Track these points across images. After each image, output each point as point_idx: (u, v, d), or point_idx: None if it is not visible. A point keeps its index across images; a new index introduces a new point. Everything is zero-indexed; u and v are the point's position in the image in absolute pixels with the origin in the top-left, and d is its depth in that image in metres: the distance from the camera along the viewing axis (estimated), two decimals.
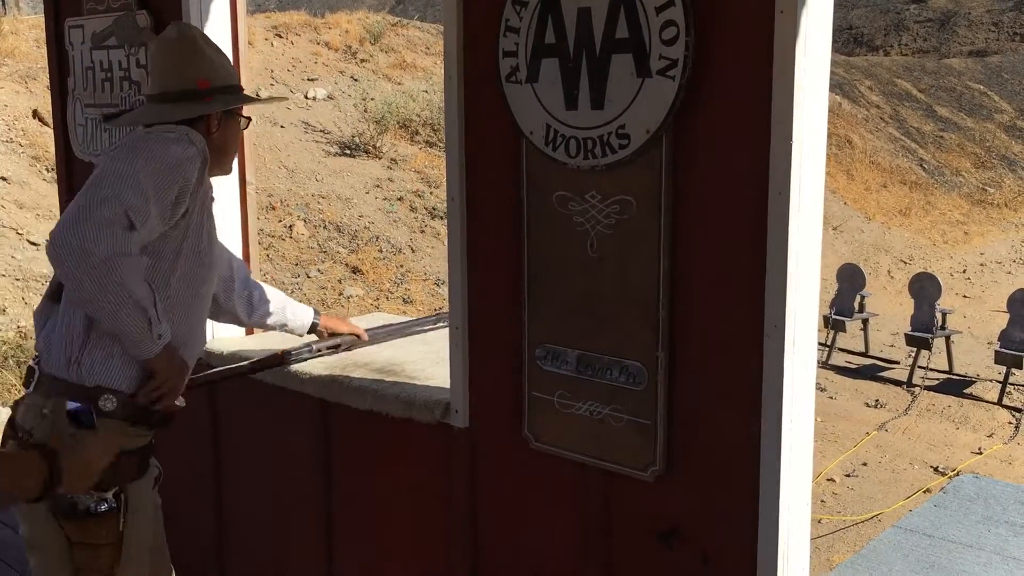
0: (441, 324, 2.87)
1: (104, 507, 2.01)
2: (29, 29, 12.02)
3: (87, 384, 2.01)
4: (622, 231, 1.94)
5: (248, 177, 3.12)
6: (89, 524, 2.01)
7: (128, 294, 1.92)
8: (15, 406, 2.11)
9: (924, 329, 9.55)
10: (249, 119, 2.34)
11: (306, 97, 13.37)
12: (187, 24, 2.32)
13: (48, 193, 8.91)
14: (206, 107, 2.17)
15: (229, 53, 2.99)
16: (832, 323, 10.31)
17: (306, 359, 2.63)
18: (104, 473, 1.86)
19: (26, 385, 2.11)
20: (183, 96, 2.17)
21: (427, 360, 2.73)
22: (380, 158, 12.31)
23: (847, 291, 10.55)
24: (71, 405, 1.57)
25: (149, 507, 2.16)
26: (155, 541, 2.19)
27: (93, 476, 1.56)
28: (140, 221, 1.94)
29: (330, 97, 13.60)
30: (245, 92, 2.33)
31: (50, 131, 3.77)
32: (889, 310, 12.17)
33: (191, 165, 2.03)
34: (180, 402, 2.20)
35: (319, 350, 2.64)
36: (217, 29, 2.94)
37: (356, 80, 14.43)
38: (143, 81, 3.02)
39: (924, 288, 9.87)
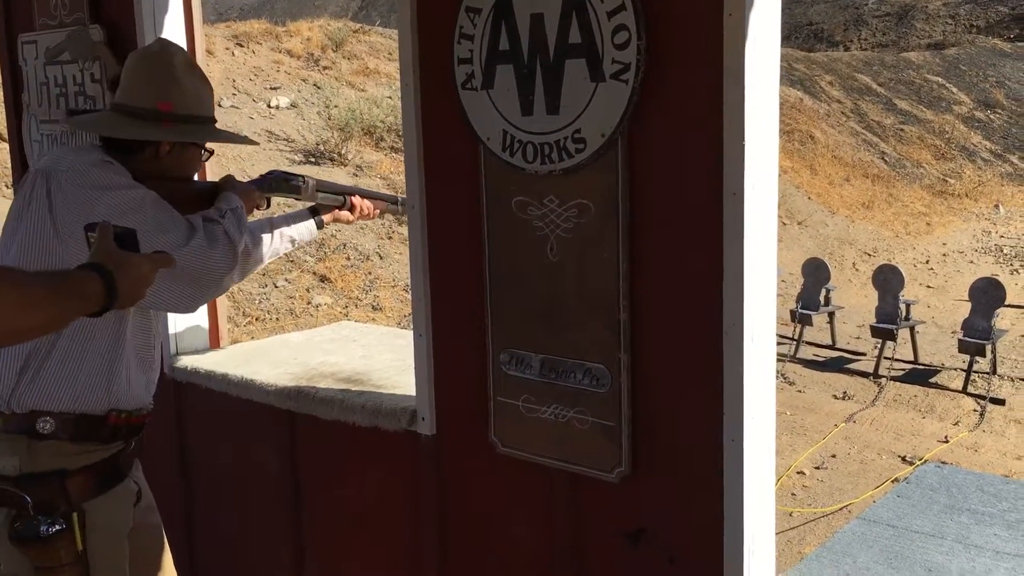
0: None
1: (55, 529, 1.98)
2: None
3: (19, 412, 2.00)
4: (581, 235, 1.96)
5: None
6: (41, 547, 1.98)
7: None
8: None
9: (889, 320, 9.66)
10: (212, 152, 2.29)
11: (269, 106, 13.30)
12: (175, 44, 2.24)
13: (7, 209, 8.79)
14: (158, 133, 2.12)
15: None
16: (799, 317, 10.41)
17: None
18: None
19: None
20: (140, 114, 2.13)
21: (393, 368, 2.74)
22: (346, 165, 12.27)
23: (813, 285, 10.66)
24: (116, 228, 1.60)
25: (117, 526, 2.12)
26: (147, 566, 2.18)
27: (144, 291, 1.65)
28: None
29: (293, 105, 13.53)
30: (216, 125, 2.26)
31: (7, 147, 3.73)
32: (855, 302, 12.31)
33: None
34: (149, 406, 2.20)
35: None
36: (172, 40, 2.92)
37: (319, 87, 14.37)
38: (98, 96, 3.00)
39: (888, 280, 9.99)
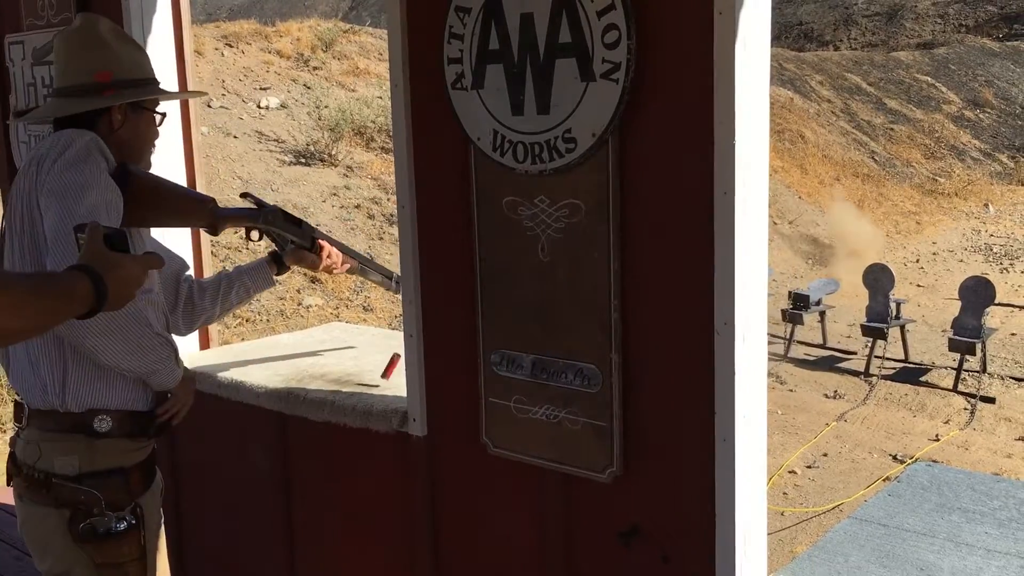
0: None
1: (124, 525, 2.00)
2: None
3: (76, 411, 1.98)
4: (572, 235, 1.95)
5: (199, 190, 3.09)
6: (111, 544, 1.99)
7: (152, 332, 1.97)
8: (12, 442, 2.10)
9: (879, 319, 9.69)
10: (164, 114, 2.21)
11: (259, 106, 13.27)
12: (94, 15, 2.15)
13: None
14: (103, 101, 2.06)
15: (173, 64, 2.96)
16: (790, 316, 10.43)
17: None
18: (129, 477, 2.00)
19: (17, 420, 2.07)
20: (81, 90, 2.07)
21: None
22: (336, 166, 12.26)
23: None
24: (106, 230, 1.57)
25: (159, 520, 2.15)
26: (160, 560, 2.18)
27: (133, 292, 1.63)
28: None
29: (283, 106, 13.51)
30: (161, 86, 2.20)
31: None
32: (845, 302, 12.35)
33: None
34: None
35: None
36: (160, 40, 2.91)
37: (309, 88, 14.35)
38: None
39: (878, 279, 10.02)
